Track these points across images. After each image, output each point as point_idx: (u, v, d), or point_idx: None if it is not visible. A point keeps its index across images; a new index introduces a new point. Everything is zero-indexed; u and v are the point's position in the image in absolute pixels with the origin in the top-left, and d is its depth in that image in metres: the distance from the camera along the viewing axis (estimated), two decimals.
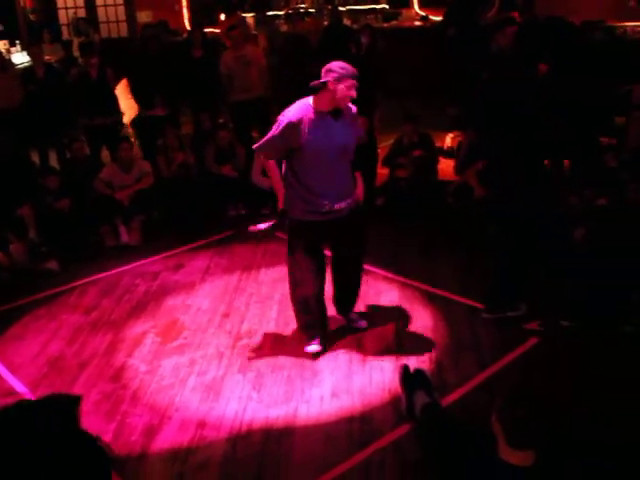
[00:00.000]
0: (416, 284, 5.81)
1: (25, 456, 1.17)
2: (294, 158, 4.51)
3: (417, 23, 13.06)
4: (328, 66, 4.44)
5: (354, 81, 4.43)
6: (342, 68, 4.40)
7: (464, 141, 7.81)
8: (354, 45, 8.25)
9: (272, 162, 4.62)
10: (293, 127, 4.38)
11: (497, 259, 5.20)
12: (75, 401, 1.27)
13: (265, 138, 4.55)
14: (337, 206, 4.61)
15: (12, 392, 4.60)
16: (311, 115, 4.43)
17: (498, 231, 5.30)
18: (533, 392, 2.88)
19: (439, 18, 11.71)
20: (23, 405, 1.25)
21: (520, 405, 2.67)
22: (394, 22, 13.16)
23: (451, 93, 9.79)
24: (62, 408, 1.26)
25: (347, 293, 5.13)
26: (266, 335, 5.18)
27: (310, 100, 4.48)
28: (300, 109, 4.44)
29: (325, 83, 4.39)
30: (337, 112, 4.51)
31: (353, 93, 4.45)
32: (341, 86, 4.39)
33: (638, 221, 5.34)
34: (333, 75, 4.37)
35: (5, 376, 4.81)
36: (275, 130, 4.45)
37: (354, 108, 4.65)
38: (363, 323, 5.19)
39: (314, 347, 4.88)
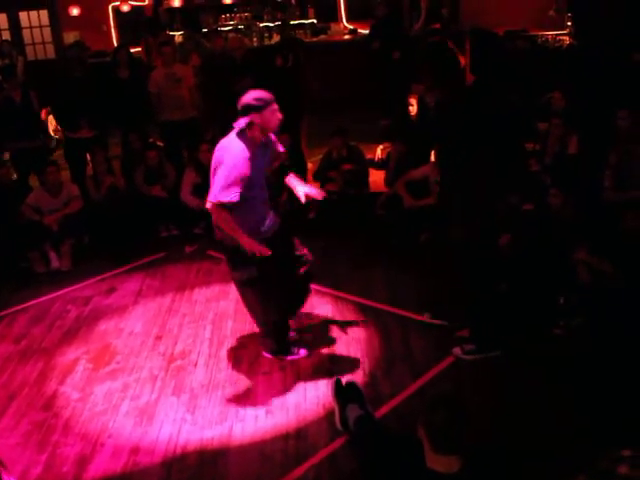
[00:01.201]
0: (348, 297, 5.84)
1: None
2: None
3: (346, 37, 13.20)
4: (244, 102, 4.45)
5: (275, 104, 4.50)
6: (258, 99, 4.44)
7: (394, 152, 7.91)
8: (281, 57, 8.30)
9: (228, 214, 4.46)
10: (247, 161, 4.40)
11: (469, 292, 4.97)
12: None
13: (221, 185, 4.36)
14: (271, 223, 4.75)
15: None
16: (250, 149, 4.45)
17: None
18: (458, 397, 2.89)
19: (367, 31, 11.85)
20: None
21: (442, 409, 2.71)
22: (323, 36, 13.27)
23: (382, 105, 9.96)
24: None
25: (298, 301, 5.24)
26: (200, 355, 5.14)
27: (241, 136, 4.47)
28: (240, 143, 4.44)
29: (251, 121, 4.42)
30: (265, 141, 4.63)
31: (280, 115, 4.54)
32: (267, 115, 4.45)
33: (561, 226, 5.50)
34: (254, 110, 4.41)
35: None
36: (232, 173, 4.36)
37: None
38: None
39: (303, 351, 5.04)
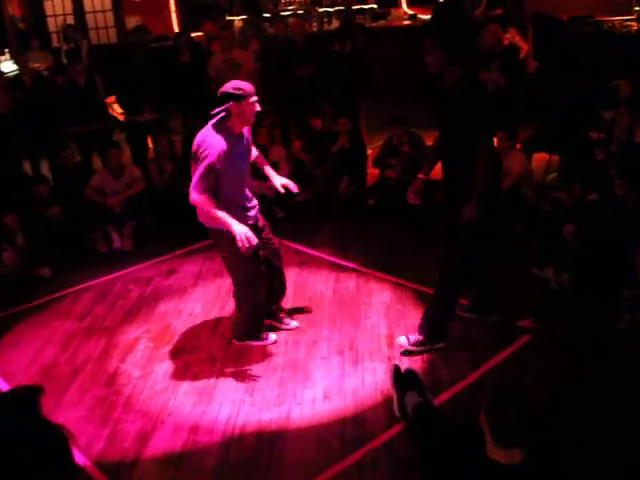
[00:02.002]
0: (408, 284, 5.82)
1: None
2: (219, 181, 4.50)
3: (406, 22, 13.06)
4: (223, 91, 4.46)
5: (255, 96, 4.50)
6: (238, 89, 4.44)
7: None
8: (339, 43, 8.29)
9: (207, 198, 4.44)
10: (223, 156, 4.40)
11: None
12: (36, 391, 1.33)
13: (199, 178, 4.38)
14: (255, 211, 4.83)
15: None
16: (227, 140, 4.45)
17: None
18: (521, 390, 2.85)
19: (427, 17, 11.71)
20: None
21: (507, 403, 2.67)
22: (382, 22, 13.15)
23: None
24: (24, 398, 1.32)
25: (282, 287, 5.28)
26: None
27: (218, 127, 4.47)
28: (217, 136, 4.43)
29: (228, 109, 4.43)
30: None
31: (258, 107, 4.54)
32: (245, 105, 4.45)
33: (627, 216, 5.37)
34: (233, 99, 4.42)
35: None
36: (207, 165, 4.36)
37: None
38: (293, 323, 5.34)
39: (273, 336, 5.13)
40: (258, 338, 5.09)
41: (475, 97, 4.40)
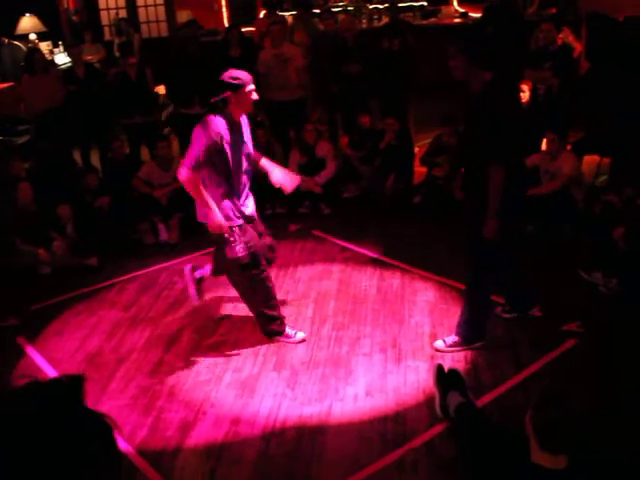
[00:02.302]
0: (452, 283, 5.76)
1: (29, 430, 1.25)
2: (217, 169, 4.52)
3: (456, 20, 12.94)
4: (221, 79, 4.47)
5: (252, 85, 4.51)
6: (235, 78, 4.45)
7: None
8: (387, 41, 8.25)
9: (196, 177, 4.47)
10: (221, 137, 4.42)
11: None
12: (79, 379, 1.35)
13: (190, 154, 4.41)
14: (249, 211, 4.82)
15: None
16: (228, 124, 4.47)
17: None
18: (568, 395, 2.80)
19: (479, 15, 11.59)
20: (31, 384, 1.33)
21: (553, 408, 2.63)
22: (433, 19, 13.05)
23: None
24: (67, 387, 1.34)
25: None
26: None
27: (218, 112, 4.49)
28: (219, 119, 4.45)
29: (226, 99, 4.45)
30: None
31: (256, 96, 4.56)
32: (243, 94, 4.46)
33: None
34: (230, 88, 4.43)
35: (47, 371, 4.90)
36: (202, 142, 4.38)
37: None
38: None
39: (301, 334, 5.11)
40: (281, 333, 5.09)
41: (494, 113, 4.25)
